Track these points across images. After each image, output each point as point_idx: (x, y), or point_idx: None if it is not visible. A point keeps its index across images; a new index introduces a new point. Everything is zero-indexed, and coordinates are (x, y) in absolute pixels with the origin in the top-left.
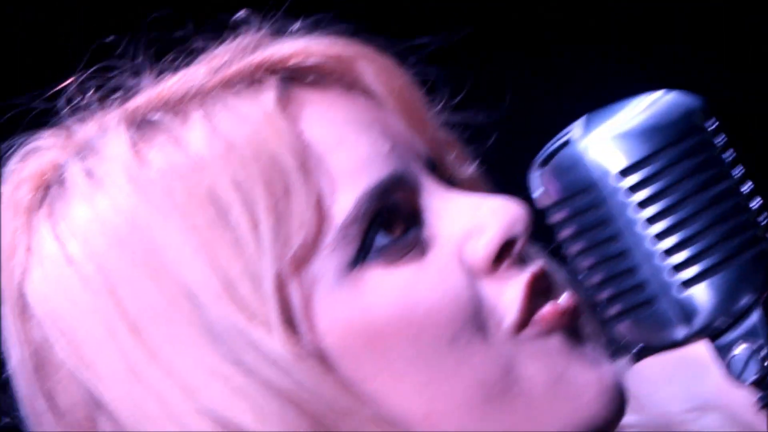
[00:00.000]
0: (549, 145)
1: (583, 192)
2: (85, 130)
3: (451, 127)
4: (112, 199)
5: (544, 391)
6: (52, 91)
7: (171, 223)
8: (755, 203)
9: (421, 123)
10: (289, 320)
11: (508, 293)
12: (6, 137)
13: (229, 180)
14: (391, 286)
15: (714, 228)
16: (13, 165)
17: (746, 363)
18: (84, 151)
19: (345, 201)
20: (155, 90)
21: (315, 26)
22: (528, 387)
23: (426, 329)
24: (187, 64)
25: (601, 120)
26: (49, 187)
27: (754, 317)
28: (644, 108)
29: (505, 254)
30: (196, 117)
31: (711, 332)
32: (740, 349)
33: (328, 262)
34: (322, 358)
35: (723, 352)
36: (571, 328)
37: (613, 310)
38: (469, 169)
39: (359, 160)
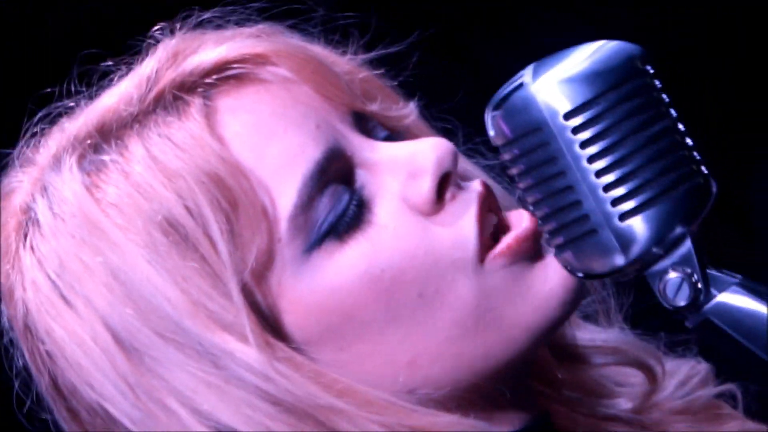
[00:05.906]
0: (502, 89)
1: (534, 131)
2: (41, 161)
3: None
4: (78, 239)
5: (514, 309)
6: None
7: (137, 255)
8: (690, 141)
9: (338, 85)
10: (263, 324)
11: (462, 226)
12: None
13: (181, 206)
14: (351, 262)
15: (651, 165)
16: None
17: (679, 287)
18: (45, 189)
19: (288, 194)
20: (92, 114)
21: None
22: (499, 309)
23: (395, 292)
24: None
25: (550, 65)
26: (28, 226)
27: (686, 246)
28: (588, 55)
29: (444, 189)
30: (137, 149)
31: (647, 260)
32: (673, 275)
33: (285, 256)
34: (301, 353)
35: (657, 278)
36: (534, 249)
37: (558, 240)
38: (399, 109)
39: (292, 149)
